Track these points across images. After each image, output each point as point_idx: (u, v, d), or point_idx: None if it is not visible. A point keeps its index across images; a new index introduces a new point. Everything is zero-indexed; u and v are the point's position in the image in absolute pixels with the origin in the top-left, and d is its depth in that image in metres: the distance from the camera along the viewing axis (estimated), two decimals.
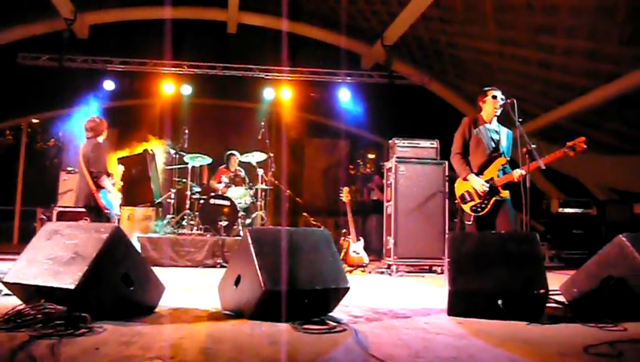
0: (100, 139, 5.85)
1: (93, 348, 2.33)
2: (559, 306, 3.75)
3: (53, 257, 3.11)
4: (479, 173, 4.55)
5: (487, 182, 4.47)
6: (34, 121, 13.70)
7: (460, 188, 4.68)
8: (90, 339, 2.51)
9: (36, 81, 10.78)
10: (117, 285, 3.11)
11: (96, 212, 5.63)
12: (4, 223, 12.44)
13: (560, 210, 9.49)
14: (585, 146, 4.17)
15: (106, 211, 5.64)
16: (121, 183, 7.17)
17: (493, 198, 4.45)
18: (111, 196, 5.75)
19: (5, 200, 12.65)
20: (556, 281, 4.06)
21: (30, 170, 13.20)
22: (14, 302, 3.13)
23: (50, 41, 10.72)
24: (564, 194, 10.75)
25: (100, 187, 5.63)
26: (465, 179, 4.60)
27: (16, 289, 3.18)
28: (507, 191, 4.45)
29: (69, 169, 9.12)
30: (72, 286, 2.85)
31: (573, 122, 9.79)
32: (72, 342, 2.43)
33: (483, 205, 4.48)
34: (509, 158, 4.59)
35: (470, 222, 4.60)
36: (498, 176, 4.48)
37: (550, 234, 9.56)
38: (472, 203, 4.55)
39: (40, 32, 10.80)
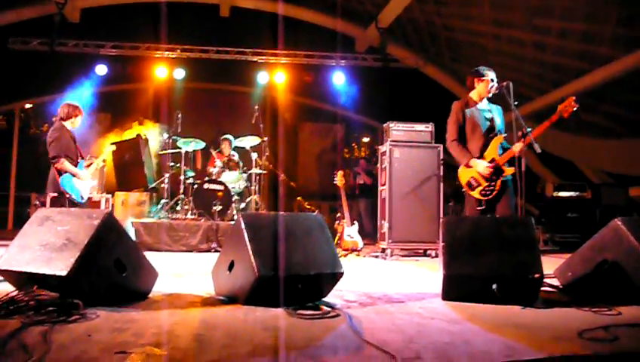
0: (68, 123, 5.67)
1: (86, 335, 2.31)
2: (554, 290, 3.77)
3: (45, 243, 3.08)
4: (480, 156, 4.45)
5: (489, 163, 4.39)
6: (27, 106, 13.58)
7: (463, 175, 4.53)
8: (83, 326, 2.50)
9: (28, 65, 10.65)
10: (109, 271, 3.09)
11: (63, 198, 5.45)
12: None
13: (555, 193, 9.51)
14: (576, 106, 4.14)
15: (67, 196, 5.44)
16: (102, 165, 7.16)
17: (500, 178, 4.36)
18: (78, 180, 5.58)
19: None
20: (551, 265, 4.06)
21: (24, 156, 13.11)
22: (7, 288, 3.11)
23: (41, 25, 10.57)
24: (559, 178, 10.78)
25: (62, 172, 5.46)
26: (467, 165, 4.47)
27: (9, 275, 3.15)
28: (512, 168, 4.33)
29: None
30: (64, 273, 2.83)
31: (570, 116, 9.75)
32: (65, 329, 2.41)
33: (491, 187, 4.37)
34: (505, 135, 4.51)
35: (483, 207, 4.44)
36: (499, 155, 4.39)
37: (545, 218, 9.60)
38: (480, 188, 4.42)
39: (31, 16, 10.63)
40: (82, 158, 5.75)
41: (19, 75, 10.86)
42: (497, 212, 4.40)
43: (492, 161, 4.39)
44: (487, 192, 4.40)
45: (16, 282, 3.13)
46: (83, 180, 5.65)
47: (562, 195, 9.48)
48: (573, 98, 4.17)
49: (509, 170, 4.36)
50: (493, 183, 4.37)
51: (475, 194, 4.45)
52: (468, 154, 4.48)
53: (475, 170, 4.43)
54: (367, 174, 10.25)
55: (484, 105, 4.61)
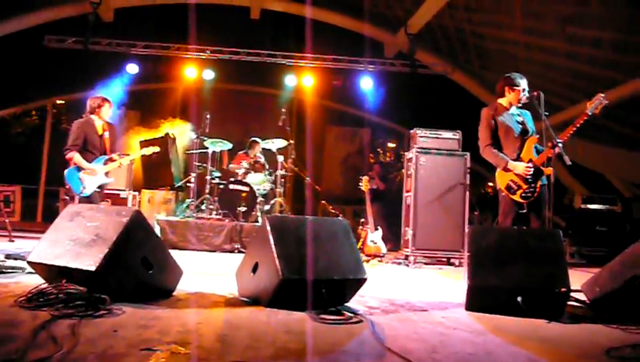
0: (95, 116, 5.60)
1: (112, 330, 2.36)
2: (580, 305, 3.69)
3: (74, 238, 3.15)
4: (516, 159, 4.38)
5: (527, 163, 4.32)
6: (58, 102, 13.91)
7: (502, 179, 4.43)
8: (109, 321, 2.55)
9: (61, 63, 10.90)
10: (136, 268, 3.15)
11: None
12: (29, 201, 12.69)
13: (583, 205, 9.31)
14: (606, 102, 4.11)
15: (67, 187, 5.43)
16: (129, 163, 7.21)
17: (540, 179, 4.28)
18: (84, 174, 5.45)
19: (30, 180, 12.91)
20: (577, 279, 3.98)
21: (55, 151, 13.42)
22: (37, 280, 3.19)
23: (75, 24, 10.81)
24: (588, 190, 10.56)
25: (70, 163, 5.45)
26: (505, 169, 4.39)
27: (39, 268, 3.23)
28: (550, 168, 4.25)
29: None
30: (93, 268, 2.89)
31: (601, 116, 9.56)
32: (92, 323, 2.46)
33: (532, 189, 4.28)
34: (538, 136, 4.43)
35: (525, 210, 4.34)
36: (535, 157, 4.33)
37: (572, 230, 9.40)
38: (521, 190, 4.32)
39: (66, 15, 10.89)
40: (106, 154, 5.63)
41: (52, 71, 11.13)
42: (531, 221, 4.33)
43: (530, 161, 4.33)
44: (529, 194, 4.30)
45: (46, 275, 3.21)
46: (91, 175, 5.48)
47: (591, 208, 9.28)
48: (601, 94, 4.10)
49: (547, 170, 4.27)
50: (533, 185, 4.29)
51: (517, 197, 4.35)
52: (504, 157, 4.40)
53: (513, 172, 4.35)
54: (380, 179, 10.27)
55: (513, 110, 4.57)
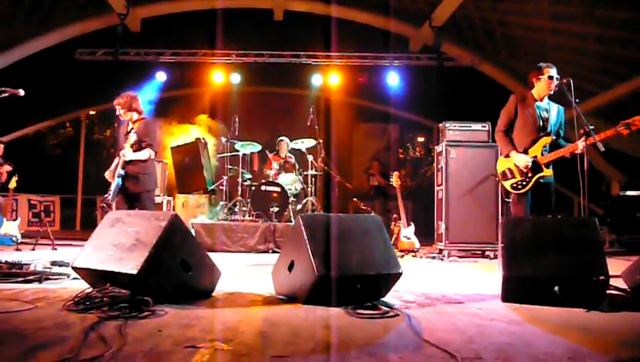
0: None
1: (157, 330, 2.45)
2: (620, 293, 3.63)
3: (116, 244, 3.27)
4: (523, 152, 4.50)
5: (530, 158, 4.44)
6: (91, 112, 14.30)
7: (501, 165, 4.65)
8: (153, 321, 2.64)
9: (93, 74, 11.22)
10: (176, 270, 3.24)
11: None
12: (67, 210, 13.09)
13: (621, 192, 9.09)
14: None
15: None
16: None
17: (536, 176, 4.40)
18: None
19: (68, 189, 13.33)
20: (617, 267, 3.92)
21: (89, 160, 13.83)
22: (82, 285, 3.33)
23: (105, 36, 11.12)
24: (626, 176, 10.29)
25: None
26: (507, 156, 4.57)
27: (84, 273, 3.37)
28: (550, 170, 4.41)
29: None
30: (135, 271, 3.00)
31: (636, 98, 9.32)
32: (137, 324, 2.56)
33: (524, 182, 4.44)
34: (554, 137, 4.49)
35: (510, 200, 4.59)
36: (542, 155, 4.43)
37: (610, 218, 9.18)
38: (513, 180, 4.51)
39: (95, 28, 11.20)
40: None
41: (84, 83, 11.46)
42: (535, 210, 4.45)
43: (534, 157, 4.43)
44: (519, 186, 4.47)
45: (91, 279, 3.35)
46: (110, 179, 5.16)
47: (630, 194, 9.05)
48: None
49: (547, 171, 4.40)
50: (527, 179, 4.43)
51: (507, 185, 4.56)
52: (510, 146, 4.56)
53: (512, 161, 4.51)
54: (381, 176, 10.30)
55: (543, 103, 4.58)
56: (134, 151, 5.07)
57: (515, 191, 4.48)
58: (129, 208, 5.08)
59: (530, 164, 4.40)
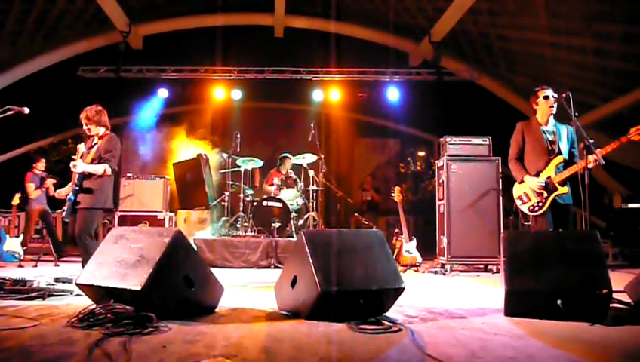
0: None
1: (161, 346, 2.46)
2: (624, 307, 3.63)
3: (120, 260, 3.29)
4: (536, 176, 4.58)
5: (544, 180, 4.51)
6: None
7: (517, 191, 4.73)
8: (157, 338, 2.65)
9: (95, 91, 11.30)
10: (179, 286, 3.25)
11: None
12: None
13: (624, 205, 9.09)
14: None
15: None
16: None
17: (552, 196, 4.45)
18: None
19: None
20: (620, 280, 3.92)
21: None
22: (85, 302, 3.34)
23: (107, 53, 11.24)
24: (627, 189, 10.30)
25: None
26: (521, 182, 4.66)
27: (88, 290, 3.38)
28: (566, 187, 4.44)
29: (128, 175, 9.50)
30: (139, 288, 3.01)
31: (635, 111, 9.37)
32: (141, 340, 2.57)
33: (540, 203, 4.50)
34: (566, 157, 4.55)
35: (529, 223, 4.63)
36: (555, 174, 4.49)
37: (613, 231, 9.17)
38: (529, 203, 4.58)
39: (98, 46, 11.34)
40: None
41: (87, 100, 11.54)
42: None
43: (547, 178, 4.51)
44: (535, 208, 4.53)
45: (94, 296, 3.36)
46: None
47: (633, 207, 9.04)
48: (638, 128, 4.13)
49: (562, 189, 4.44)
50: (543, 200, 4.49)
51: (524, 208, 4.63)
52: (523, 171, 4.67)
53: (527, 185, 4.59)
54: (375, 191, 10.37)
55: (549, 126, 4.67)
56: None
57: (533, 214, 4.54)
58: (74, 225, 4.80)
59: (543, 184, 4.48)
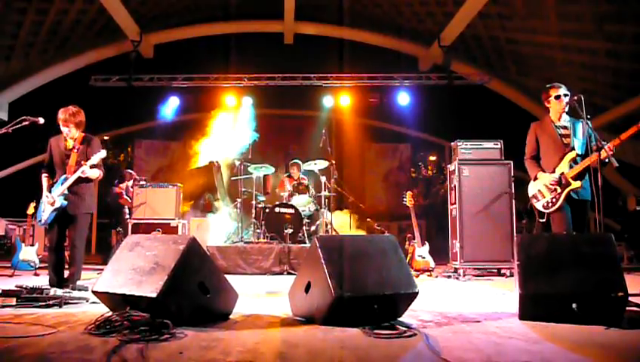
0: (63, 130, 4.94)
1: (177, 352, 2.48)
2: None
3: (135, 267, 3.32)
4: (552, 172, 4.54)
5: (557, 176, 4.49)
6: (105, 138, 14.52)
7: (531, 189, 4.71)
8: (174, 344, 2.67)
9: (107, 100, 11.44)
10: (194, 293, 3.28)
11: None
12: None
13: (638, 207, 9.00)
14: None
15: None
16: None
17: (566, 190, 4.41)
18: (45, 198, 4.78)
19: None
20: (636, 283, 3.89)
21: (104, 184, 13.95)
22: (101, 309, 3.37)
23: (119, 62, 11.39)
24: None
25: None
26: (535, 179, 4.64)
27: (104, 297, 3.41)
28: (579, 182, 4.39)
29: (141, 183, 9.57)
30: (154, 295, 3.03)
31: None
32: (158, 347, 2.59)
33: (554, 199, 4.47)
34: (580, 152, 4.50)
35: (544, 220, 4.57)
36: (568, 170, 4.46)
37: (628, 233, 9.09)
38: (543, 200, 4.55)
39: (109, 55, 11.50)
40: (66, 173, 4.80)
41: (99, 109, 11.68)
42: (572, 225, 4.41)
43: (561, 173, 4.47)
44: (549, 204, 4.50)
45: (110, 303, 3.39)
46: (46, 200, 4.76)
47: None
48: None
49: (575, 184, 4.39)
50: (557, 195, 4.45)
51: (539, 206, 4.60)
52: (537, 168, 4.65)
53: (540, 181, 4.58)
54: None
55: (562, 122, 4.65)
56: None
57: (547, 211, 4.51)
58: (60, 230, 4.80)
59: (556, 179, 4.45)
